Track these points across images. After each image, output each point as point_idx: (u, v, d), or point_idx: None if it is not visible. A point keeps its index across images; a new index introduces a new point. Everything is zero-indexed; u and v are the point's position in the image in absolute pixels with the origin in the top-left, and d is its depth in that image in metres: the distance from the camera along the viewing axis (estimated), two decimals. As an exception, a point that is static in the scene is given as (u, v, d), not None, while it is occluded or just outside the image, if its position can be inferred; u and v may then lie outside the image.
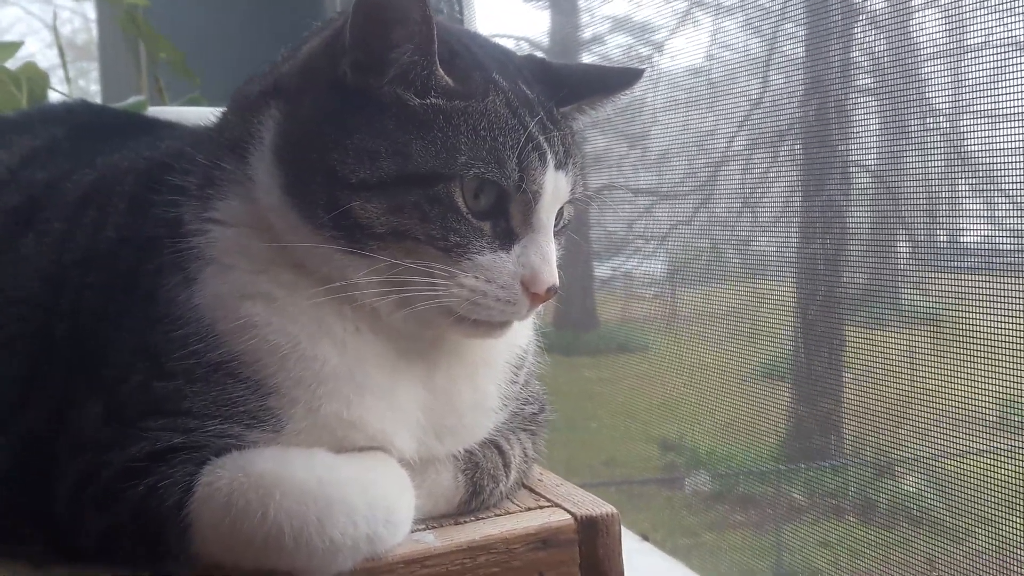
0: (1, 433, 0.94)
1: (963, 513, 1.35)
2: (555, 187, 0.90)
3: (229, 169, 0.93)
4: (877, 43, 1.55)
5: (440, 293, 0.86)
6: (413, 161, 0.85)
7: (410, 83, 0.86)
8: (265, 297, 0.89)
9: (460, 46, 0.92)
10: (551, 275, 0.89)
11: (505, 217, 0.88)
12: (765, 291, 1.81)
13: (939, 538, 1.40)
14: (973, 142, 1.38)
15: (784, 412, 1.79)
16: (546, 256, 0.89)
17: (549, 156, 0.89)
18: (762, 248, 1.88)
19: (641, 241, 2.29)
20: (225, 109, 1.01)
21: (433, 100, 0.86)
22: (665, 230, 2.19)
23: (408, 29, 0.85)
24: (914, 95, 1.43)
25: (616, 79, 1.04)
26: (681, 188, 2.09)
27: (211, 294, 0.89)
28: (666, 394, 2.13)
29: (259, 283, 0.90)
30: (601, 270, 2.50)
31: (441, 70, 0.87)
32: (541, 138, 0.89)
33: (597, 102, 1.01)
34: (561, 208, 0.95)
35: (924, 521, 1.46)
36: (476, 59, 0.92)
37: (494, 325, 0.91)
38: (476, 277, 0.87)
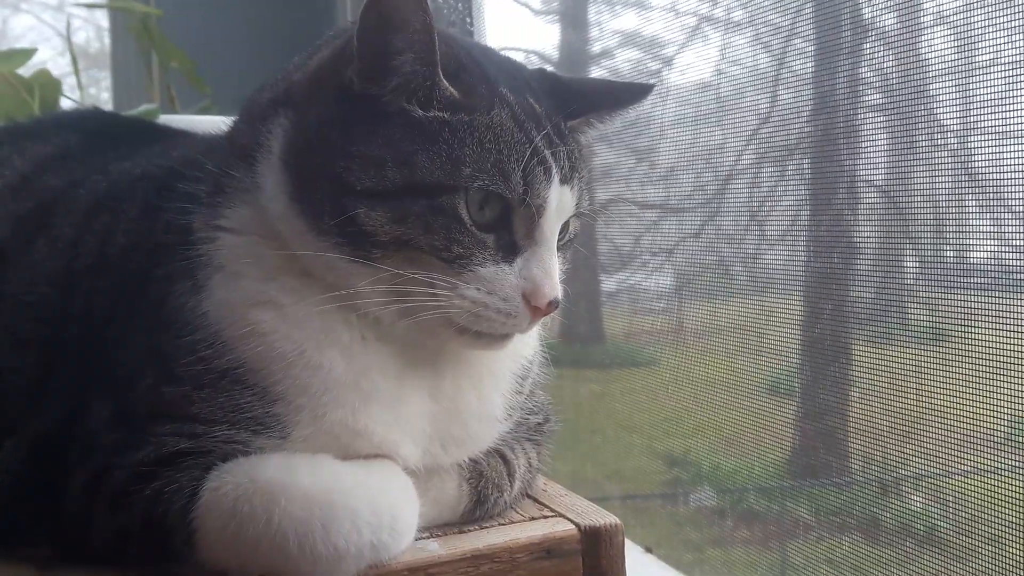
0: (12, 434, 0.95)
1: (969, 532, 1.35)
2: (560, 201, 0.91)
3: (238, 177, 0.93)
4: (886, 60, 1.55)
5: (442, 304, 0.87)
6: (418, 171, 0.85)
7: (413, 92, 0.86)
8: (272, 304, 0.90)
9: (468, 59, 0.92)
10: (553, 289, 0.89)
11: (509, 230, 0.89)
12: (772, 306, 1.80)
13: (945, 557, 1.39)
14: (981, 160, 1.38)
15: (790, 428, 1.78)
16: (548, 270, 0.89)
17: (554, 170, 0.90)
18: (769, 263, 1.88)
19: (648, 255, 2.28)
20: (236, 117, 1.02)
21: (438, 112, 0.87)
22: (672, 244, 2.19)
23: (409, 37, 0.85)
24: (923, 112, 1.43)
25: (625, 94, 1.04)
26: (689, 203, 2.09)
27: (219, 301, 0.89)
28: (671, 409, 2.13)
29: (267, 291, 0.90)
30: (608, 284, 2.49)
31: (445, 81, 0.87)
32: (547, 152, 0.89)
33: (605, 116, 1.02)
34: (566, 222, 0.95)
35: (930, 540, 1.45)
36: (484, 72, 0.92)
37: (496, 337, 0.91)
38: (478, 289, 0.87)
